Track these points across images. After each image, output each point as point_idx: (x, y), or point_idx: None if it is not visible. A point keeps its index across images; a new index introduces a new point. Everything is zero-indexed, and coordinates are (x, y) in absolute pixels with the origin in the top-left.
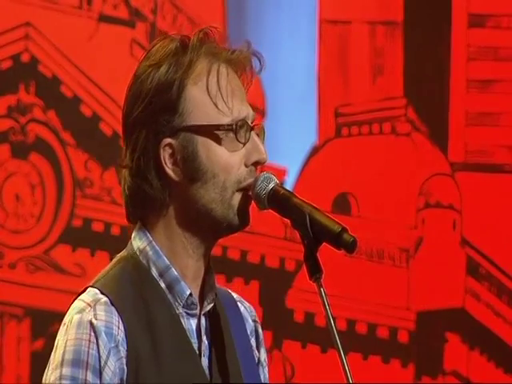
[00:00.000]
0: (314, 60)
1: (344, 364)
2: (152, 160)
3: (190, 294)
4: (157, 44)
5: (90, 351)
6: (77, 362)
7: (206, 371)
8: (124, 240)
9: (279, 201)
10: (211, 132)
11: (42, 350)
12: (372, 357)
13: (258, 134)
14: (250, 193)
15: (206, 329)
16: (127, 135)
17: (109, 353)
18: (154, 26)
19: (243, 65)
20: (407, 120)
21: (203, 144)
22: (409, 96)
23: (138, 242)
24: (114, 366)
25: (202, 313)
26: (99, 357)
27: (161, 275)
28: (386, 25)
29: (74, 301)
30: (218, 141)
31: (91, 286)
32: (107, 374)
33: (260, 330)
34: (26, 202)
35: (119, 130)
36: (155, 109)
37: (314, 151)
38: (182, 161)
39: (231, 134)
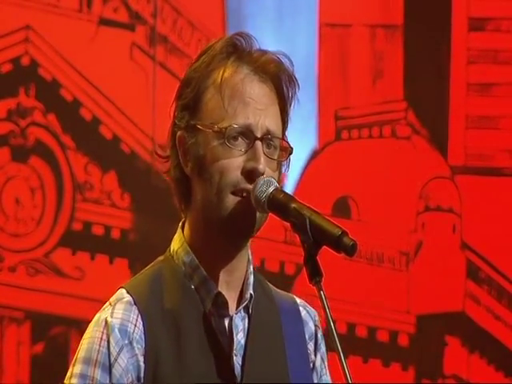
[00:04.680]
0: (314, 63)
1: (344, 367)
2: (173, 150)
3: (219, 293)
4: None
5: (101, 349)
6: (87, 360)
7: (238, 369)
8: (124, 243)
9: (279, 204)
10: (209, 133)
11: (42, 354)
12: (372, 360)
13: (272, 147)
14: (251, 199)
15: (242, 329)
16: None
17: (120, 349)
18: (154, 29)
19: (272, 73)
20: (407, 123)
21: (204, 144)
22: (409, 99)
23: (174, 244)
24: (126, 362)
25: (238, 312)
26: (109, 353)
27: (191, 275)
28: (386, 28)
29: None
30: (216, 143)
31: (121, 287)
32: (117, 370)
33: (320, 336)
34: (26, 206)
35: (119, 133)
36: (178, 101)
37: (314, 154)
38: (191, 157)
39: (227, 139)
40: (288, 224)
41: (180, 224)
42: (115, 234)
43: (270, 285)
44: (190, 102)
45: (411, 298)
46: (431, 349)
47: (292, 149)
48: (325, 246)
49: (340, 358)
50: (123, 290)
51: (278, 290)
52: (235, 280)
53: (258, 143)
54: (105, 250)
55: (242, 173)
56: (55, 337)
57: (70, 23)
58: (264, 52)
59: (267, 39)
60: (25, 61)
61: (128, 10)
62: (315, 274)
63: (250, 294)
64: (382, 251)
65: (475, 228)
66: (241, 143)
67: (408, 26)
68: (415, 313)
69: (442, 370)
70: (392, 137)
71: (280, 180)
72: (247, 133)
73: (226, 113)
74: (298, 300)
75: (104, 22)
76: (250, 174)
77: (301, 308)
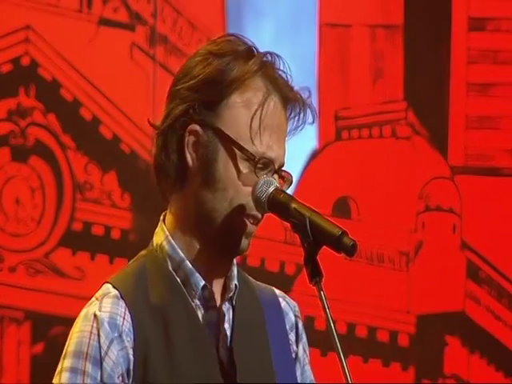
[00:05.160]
0: (314, 63)
1: (344, 367)
2: (176, 135)
3: (205, 286)
4: (226, 38)
5: (91, 342)
6: (78, 354)
7: (225, 362)
8: (124, 243)
9: (279, 204)
10: (235, 149)
11: (42, 354)
12: (372, 360)
13: (282, 179)
14: (254, 225)
15: (228, 320)
16: (167, 101)
17: (111, 342)
18: (154, 29)
19: (297, 109)
20: (407, 123)
21: (224, 155)
22: (409, 99)
23: (157, 238)
24: (117, 355)
25: (223, 305)
26: (100, 347)
27: (176, 269)
28: (386, 28)
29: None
30: (238, 162)
31: (106, 282)
32: (108, 363)
33: (301, 326)
34: (26, 206)
35: (119, 133)
36: (198, 93)
37: (314, 154)
38: (202, 156)
39: (252, 166)
40: (288, 224)
41: (161, 217)
42: (115, 234)
43: (249, 276)
44: (214, 104)
45: (411, 298)
46: (431, 349)
47: (292, 181)
48: (325, 246)
49: (340, 358)
50: (109, 285)
51: (257, 282)
52: (220, 272)
53: (276, 176)
54: (105, 250)
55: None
56: (55, 337)
57: (70, 23)
58: (289, 81)
59: (267, 39)
60: (25, 61)
61: (128, 10)
62: (315, 274)
63: (235, 285)
64: (382, 251)
65: (475, 228)
66: (261, 173)
67: (408, 26)
68: (415, 313)
69: (442, 370)
70: (392, 137)
71: None
72: (270, 166)
73: (260, 143)
74: (277, 291)
75: (104, 21)
76: None
77: (280, 299)
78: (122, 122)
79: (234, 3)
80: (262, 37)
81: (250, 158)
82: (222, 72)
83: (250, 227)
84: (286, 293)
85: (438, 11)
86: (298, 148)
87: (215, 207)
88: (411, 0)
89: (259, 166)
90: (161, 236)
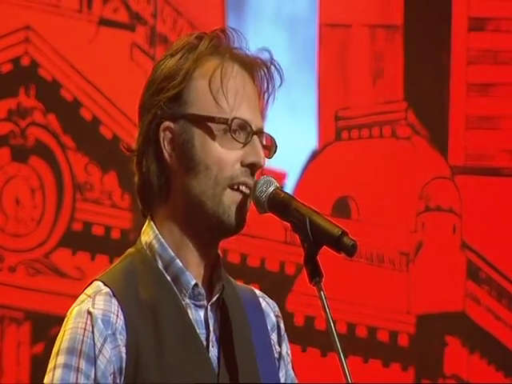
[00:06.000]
0: (314, 63)
1: (344, 368)
2: (152, 143)
3: (196, 285)
4: (181, 37)
5: (85, 339)
6: (71, 350)
7: (215, 361)
8: (124, 243)
9: (279, 204)
10: (207, 124)
11: (42, 354)
12: (372, 360)
13: (263, 145)
14: (248, 193)
15: (216, 320)
16: (139, 121)
17: (104, 340)
18: (154, 29)
19: (258, 70)
20: (407, 123)
21: (200, 135)
22: (409, 99)
23: (145, 236)
24: (110, 353)
25: (211, 304)
26: (94, 344)
27: (166, 267)
28: (386, 28)
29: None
30: (214, 134)
31: (96, 280)
32: (101, 361)
33: (282, 326)
34: (26, 206)
35: (119, 133)
36: (161, 94)
37: (314, 154)
38: (179, 148)
39: (228, 131)
40: (288, 224)
41: (149, 217)
42: (115, 234)
43: (229, 277)
44: (178, 94)
45: (411, 298)
46: (431, 349)
47: (277, 147)
48: (325, 246)
49: (340, 358)
50: (99, 283)
51: (237, 282)
52: (208, 271)
53: (256, 137)
54: (105, 250)
55: (242, 166)
56: (55, 337)
57: (70, 23)
58: (247, 50)
59: (267, 39)
60: (25, 61)
61: (128, 11)
62: (315, 274)
63: (222, 285)
64: (382, 251)
65: (475, 228)
66: (240, 136)
67: (408, 26)
68: (415, 313)
69: (442, 370)
70: (392, 137)
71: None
72: (246, 127)
73: (227, 105)
74: (257, 291)
75: (104, 22)
76: (251, 168)
77: (260, 299)
78: (121, 122)
79: (233, 3)
80: (261, 37)
81: (222, 122)
82: (177, 64)
83: (237, 195)
84: (285, 293)
85: (438, 11)
86: (298, 148)
87: (202, 189)
88: (411, 0)
89: (234, 128)
90: (150, 234)
